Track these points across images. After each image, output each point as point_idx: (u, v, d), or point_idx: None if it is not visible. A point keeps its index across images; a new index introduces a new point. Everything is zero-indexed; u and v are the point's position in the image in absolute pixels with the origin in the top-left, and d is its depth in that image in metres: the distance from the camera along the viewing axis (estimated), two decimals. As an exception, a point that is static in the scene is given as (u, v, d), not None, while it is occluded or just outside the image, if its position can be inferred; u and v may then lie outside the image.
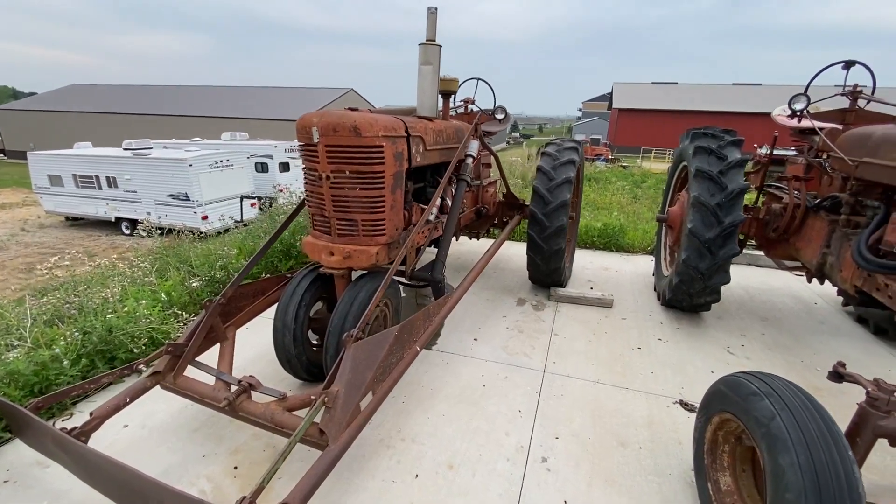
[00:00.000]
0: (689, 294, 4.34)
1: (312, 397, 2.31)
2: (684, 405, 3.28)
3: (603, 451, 2.81)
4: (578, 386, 3.48)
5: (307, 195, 3.15)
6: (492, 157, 5.46)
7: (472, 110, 5.62)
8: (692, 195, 4.05)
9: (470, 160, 3.96)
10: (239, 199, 17.30)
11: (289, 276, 3.79)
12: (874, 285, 2.82)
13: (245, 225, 16.74)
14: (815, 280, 4.05)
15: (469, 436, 2.90)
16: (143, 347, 3.35)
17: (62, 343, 2.95)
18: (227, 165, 16.63)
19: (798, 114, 4.03)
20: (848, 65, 4.01)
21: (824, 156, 4.04)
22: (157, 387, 2.71)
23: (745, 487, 2.25)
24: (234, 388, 2.60)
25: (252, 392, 2.54)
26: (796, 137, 4.68)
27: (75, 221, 19.14)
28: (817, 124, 3.89)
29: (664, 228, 5.49)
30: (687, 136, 4.66)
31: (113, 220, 17.32)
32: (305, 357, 3.15)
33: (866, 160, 3.03)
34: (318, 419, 2.26)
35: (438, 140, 3.72)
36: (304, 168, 3.07)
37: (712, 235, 3.92)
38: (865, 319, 4.58)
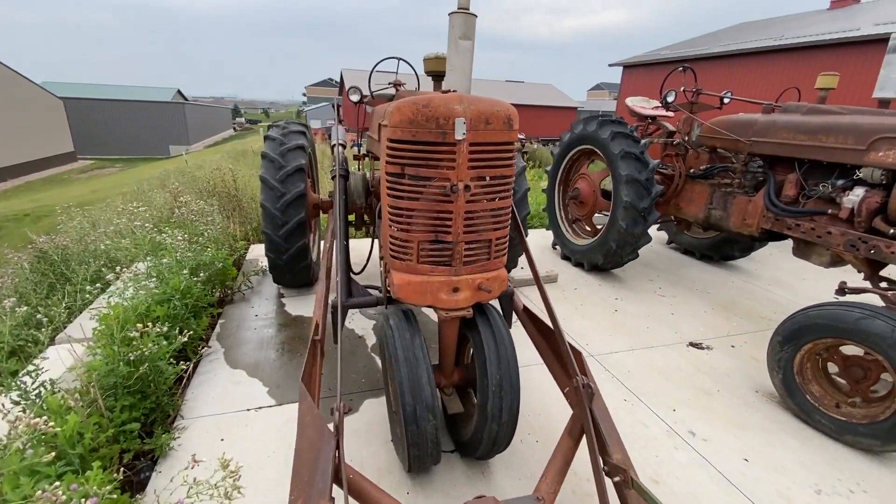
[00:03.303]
0: (622, 256, 5.19)
1: (632, 485, 1.76)
2: (695, 345, 4.00)
3: (706, 405, 3.18)
4: (624, 358, 3.75)
5: (397, 216, 2.17)
6: None
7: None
8: (623, 174, 4.78)
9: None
10: None
11: (315, 338, 2.58)
12: (784, 226, 4.08)
13: None
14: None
15: (627, 443, 2.77)
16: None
17: None
18: None
19: (670, 105, 5.26)
20: (684, 69, 5.45)
21: (682, 137, 5.42)
22: None
23: (828, 389, 3.00)
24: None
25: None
26: (642, 123, 6.07)
27: None
28: (700, 116, 5.20)
29: (561, 204, 6.24)
30: (591, 123, 5.36)
31: None
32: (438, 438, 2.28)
33: (755, 139, 4.29)
34: None
35: (470, 131, 3.15)
36: (404, 176, 2.10)
37: (646, 205, 4.78)
38: (690, 251, 6.52)
